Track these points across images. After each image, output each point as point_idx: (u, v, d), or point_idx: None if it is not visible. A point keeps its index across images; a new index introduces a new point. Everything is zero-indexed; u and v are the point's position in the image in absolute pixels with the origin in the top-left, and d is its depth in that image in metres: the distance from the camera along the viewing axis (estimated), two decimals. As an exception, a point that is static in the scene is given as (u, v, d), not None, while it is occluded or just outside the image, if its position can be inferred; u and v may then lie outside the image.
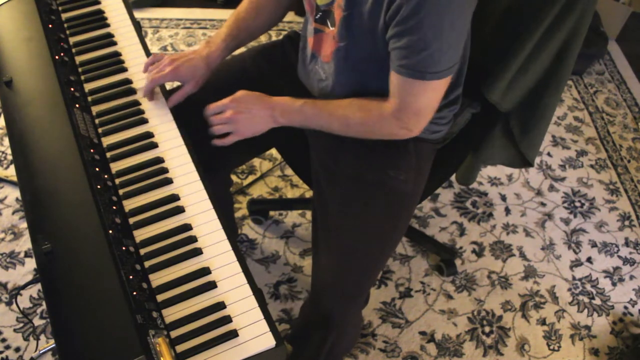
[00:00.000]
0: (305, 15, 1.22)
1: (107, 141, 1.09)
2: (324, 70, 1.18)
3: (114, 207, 0.97)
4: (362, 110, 1.11)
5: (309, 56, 1.21)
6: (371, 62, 1.08)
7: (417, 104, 1.06)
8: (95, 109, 1.14)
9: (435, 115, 1.19)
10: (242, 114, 1.11)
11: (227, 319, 0.87)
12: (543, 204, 1.99)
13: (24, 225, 1.79)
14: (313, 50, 1.18)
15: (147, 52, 1.26)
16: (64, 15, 1.31)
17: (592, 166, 2.13)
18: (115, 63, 1.23)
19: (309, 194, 1.94)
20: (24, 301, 1.63)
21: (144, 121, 1.13)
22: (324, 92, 1.20)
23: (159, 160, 1.07)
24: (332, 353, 1.30)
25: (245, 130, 1.12)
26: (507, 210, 1.96)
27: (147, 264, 0.92)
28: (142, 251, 0.94)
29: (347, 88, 1.14)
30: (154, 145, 1.09)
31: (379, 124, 1.11)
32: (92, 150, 1.04)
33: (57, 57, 1.17)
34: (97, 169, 1.01)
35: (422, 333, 1.65)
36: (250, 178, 1.98)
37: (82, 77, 1.19)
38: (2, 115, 1.73)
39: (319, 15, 1.12)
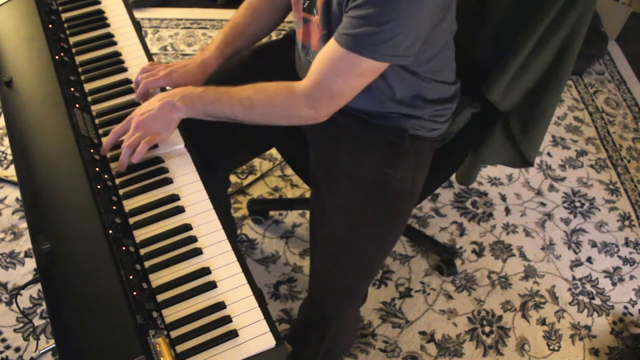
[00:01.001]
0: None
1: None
2: None
3: (114, 207, 0.97)
4: (267, 90, 1.08)
5: (300, 48, 1.21)
6: None
7: (336, 84, 1.02)
8: (95, 109, 1.14)
9: (433, 113, 1.20)
10: (144, 115, 1.05)
11: (227, 319, 0.87)
12: (543, 204, 1.99)
13: (24, 225, 1.79)
14: (303, 42, 1.18)
15: (147, 52, 1.26)
16: (64, 15, 1.31)
17: (592, 166, 2.13)
18: (115, 63, 1.23)
19: (309, 194, 1.94)
20: (24, 301, 1.63)
21: (144, 121, 1.13)
22: None
23: (159, 160, 1.07)
24: (331, 352, 1.30)
25: (157, 128, 1.05)
26: (507, 210, 1.96)
27: (147, 264, 0.92)
28: (142, 251, 0.94)
29: None
30: (154, 145, 1.09)
31: (286, 103, 1.07)
32: (92, 150, 1.04)
33: (57, 57, 1.17)
34: (97, 169, 1.01)
35: (422, 333, 1.65)
36: (250, 178, 1.98)
37: (82, 77, 1.19)
38: (2, 115, 1.73)
39: (306, 4, 1.11)
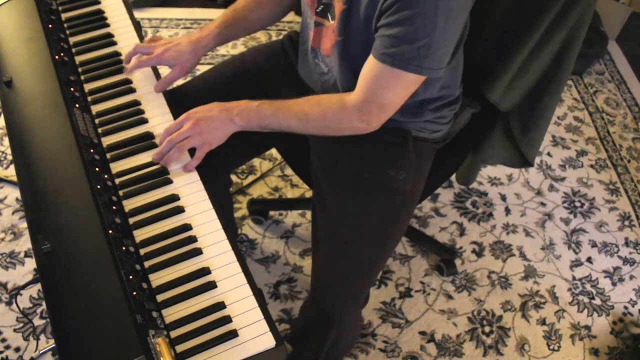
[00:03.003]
0: (302, 11, 1.21)
1: (107, 141, 1.09)
2: (326, 64, 1.18)
3: (114, 207, 0.97)
4: (320, 104, 1.10)
5: (309, 50, 1.21)
6: (366, 58, 1.07)
7: (385, 98, 1.05)
8: (95, 109, 1.14)
9: (435, 115, 1.20)
10: (201, 121, 1.07)
11: (227, 319, 0.87)
12: (543, 204, 1.99)
13: (24, 225, 1.79)
14: (313, 45, 1.18)
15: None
16: (64, 15, 1.31)
17: (592, 166, 2.13)
18: (115, 63, 1.23)
19: (309, 194, 1.94)
20: (24, 301, 1.63)
21: (144, 121, 1.13)
22: (326, 85, 1.20)
23: (159, 160, 1.07)
24: (332, 352, 1.30)
25: (210, 139, 1.07)
26: (507, 210, 1.96)
27: (147, 264, 0.92)
28: (142, 251, 0.94)
29: (347, 82, 1.14)
30: (154, 146, 1.09)
31: (338, 117, 1.09)
32: (92, 150, 1.04)
33: (57, 57, 1.17)
34: (97, 169, 1.01)
35: (422, 333, 1.65)
36: (250, 178, 1.98)
37: (82, 77, 1.19)
38: (2, 115, 1.73)
39: (320, 8, 1.11)
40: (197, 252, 0.94)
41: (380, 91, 1.04)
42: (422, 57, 0.97)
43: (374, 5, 0.99)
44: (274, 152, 2.05)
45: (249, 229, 1.84)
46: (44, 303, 1.62)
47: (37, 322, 1.59)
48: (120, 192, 1.01)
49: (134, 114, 1.14)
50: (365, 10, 1.01)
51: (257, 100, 1.11)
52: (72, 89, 1.13)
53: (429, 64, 0.99)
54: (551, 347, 1.65)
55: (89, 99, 1.15)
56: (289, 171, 2.01)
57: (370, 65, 1.03)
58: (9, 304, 1.62)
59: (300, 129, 1.12)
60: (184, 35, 1.22)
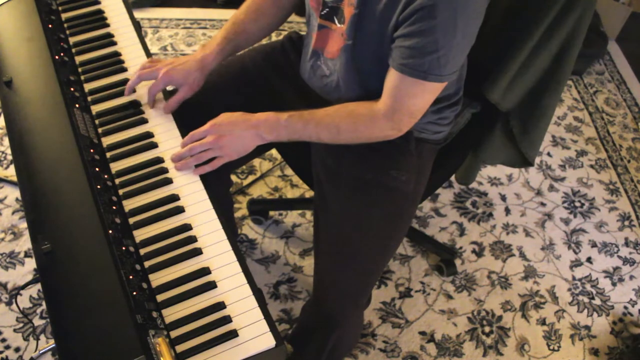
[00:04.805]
0: (306, 13, 1.21)
1: (107, 141, 1.09)
2: (328, 67, 1.17)
3: (114, 207, 0.97)
4: (351, 115, 1.10)
5: (310, 52, 1.21)
6: (375, 63, 1.07)
7: (412, 105, 1.06)
8: (95, 109, 1.14)
9: (437, 116, 1.20)
10: (225, 137, 1.06)
11: (227, 319, 0.87)
12: (543, 204, 1.99)
13: (24, 225, 1.78)
14: (315, 47, 1.18)
15: (147, 52, 1.26)
16: (64, 15, 1.31)
17: (592, 166, 2.13)
18: (115, 63, 1.23)
19: (309, 194, 1.94)
20: (24, 301, 1.63)
21: (144, 121, 1.13)
22: (328, 88, 1.20)
23: (159, 160, 1.07)
24: (333, 353, 1.30)
25: (231, 152, 1.08)
26: (507, 210, 1.96)
27: (147, 264, 0.92)
28: (142, 251, 0.94)
29: (351, 86, 1.14)
30: (154, 145, 1.09)
31: (370, 127, 1.09)
32: (92, 150, 1.04)
33: (57, 57, 1.17)
34: (97, 169, 1.01)
35: (422, 333, 1.65)
36: (250, 178, 1.98)
37: (82, 77, 1.19)
38: (2, 115, 1.73)
39: (325, 11, 1.11)
40: (197, 252, 0.94)
41: (407, 100, 1.05)
42: (442, 66, 0.98)
43: (389, 13, 0.99)
44: (274, 152, 2.05)
45: (249, 229, 1.84)
46: (44, 303, 1.62)
47: (37, 322, 1.59)
48: (120, 192, 1.01)
49: (134, 114, 1.14)
50: (380, 18, 1.01)
51: (284, 113, 1.10)
52: (72, 89, 1.14)
53: (447, 70, 1.00)
54: (551, 347, 1.65)
55: (89, 99, 1.15)
56: (289, 171, 2.01)
57: (392, 76, 1.04)
58: (9, 304, 1.62)
59: (332, 140, 1.12)
60: (189, 55, 1.21)
